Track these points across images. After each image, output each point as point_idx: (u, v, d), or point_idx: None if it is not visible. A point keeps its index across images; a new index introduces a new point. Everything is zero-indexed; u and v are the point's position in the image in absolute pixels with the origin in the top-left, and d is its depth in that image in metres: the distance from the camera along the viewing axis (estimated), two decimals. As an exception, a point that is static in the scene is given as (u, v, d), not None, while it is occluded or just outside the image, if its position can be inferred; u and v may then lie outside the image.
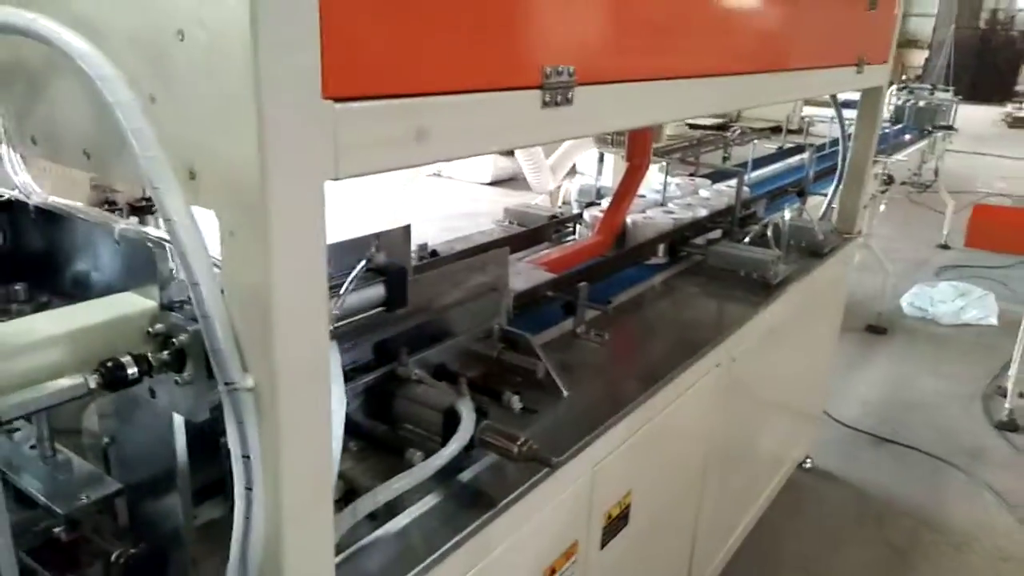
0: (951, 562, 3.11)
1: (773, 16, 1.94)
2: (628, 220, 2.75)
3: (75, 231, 1.05)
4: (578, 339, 2.06)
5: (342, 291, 1.09)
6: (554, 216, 2.89)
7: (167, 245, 0.93)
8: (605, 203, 2.84)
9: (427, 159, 1.00)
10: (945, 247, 7.41)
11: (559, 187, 3.32)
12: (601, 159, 3.14)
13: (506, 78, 1.12)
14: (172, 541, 1.04)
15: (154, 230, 0.96)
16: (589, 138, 3.56)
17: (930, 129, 6.55)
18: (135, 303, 0.94)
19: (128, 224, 0.97)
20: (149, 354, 0.88)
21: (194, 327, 0.88)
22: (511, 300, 1.91)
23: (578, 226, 2.85)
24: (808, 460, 3.65)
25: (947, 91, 7.35)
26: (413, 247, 2.14)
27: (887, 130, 5.88)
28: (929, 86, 7.57)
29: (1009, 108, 19.17)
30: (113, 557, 0.99)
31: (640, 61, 1.40)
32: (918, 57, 24.73)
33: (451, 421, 1.38)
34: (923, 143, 6.20)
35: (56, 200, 1.08)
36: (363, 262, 1.15)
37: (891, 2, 2.85)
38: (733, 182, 3.14)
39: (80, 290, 1.05)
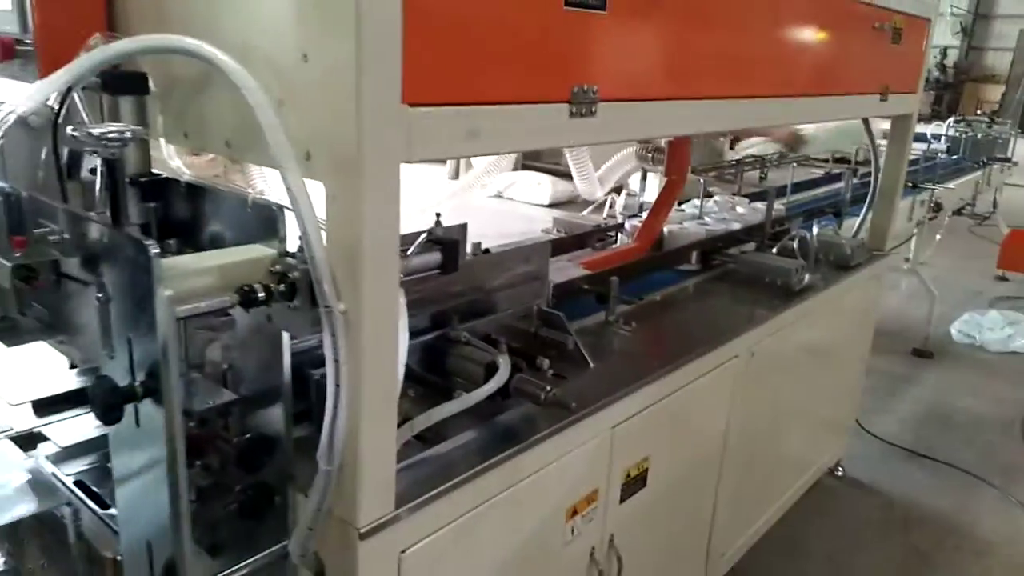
0: (972, 566, 3.24)
1: (786, 48, 2.22)
2: (665, 229, 3.03)
3: (214, 201, 1.41)
4: (609, 327, 2.35)
5: (409, 252, 1.42)
6: (598, 226, 3.20)
7: (285, 209, 1.27)
8: (646, 215, 3.13)
9: (478, 152, 1.33)
10: (1003, 279, 7.40)
11: (606, 200, 3.64)
12: (644, 177, 3.44)
13: (541, 93, 1.44)
14: (276, 436, 1.37)
15: (276, 198, 1.31)
16: (626, 163, 3.90)
17: (986, 161, 6.61)
18: (261, 250, 1.28)
19: (257, 194, 1.32)
20: (271, 285, 1.22)
21: (303, 267, 1.21)
22: (550, 288, 2.22)
23: (620, 234, 3.15)
24: (840, 468, 3.83)
25: (1005, 124, 7.38)
26: (469, 246, 2.48)
27: (939, 159, 5.99)
28: (987, 119, 7.61)
29: (1088, 144, 18.63)
30: (233, 443, 1.33)
31: (656, 85, 1.71)
32: (995, 92, 24.18)
33: (491, 373, 1.69)
34: (977, 174, 6.28)
35: (201, 178, 1.44)
36: (425, 233, 1.48)
37: (918, 37, 3.08)
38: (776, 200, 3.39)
39: (216, 245, 1.41)
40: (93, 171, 1.46)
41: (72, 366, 1.74)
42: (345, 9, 1.08)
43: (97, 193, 1.43)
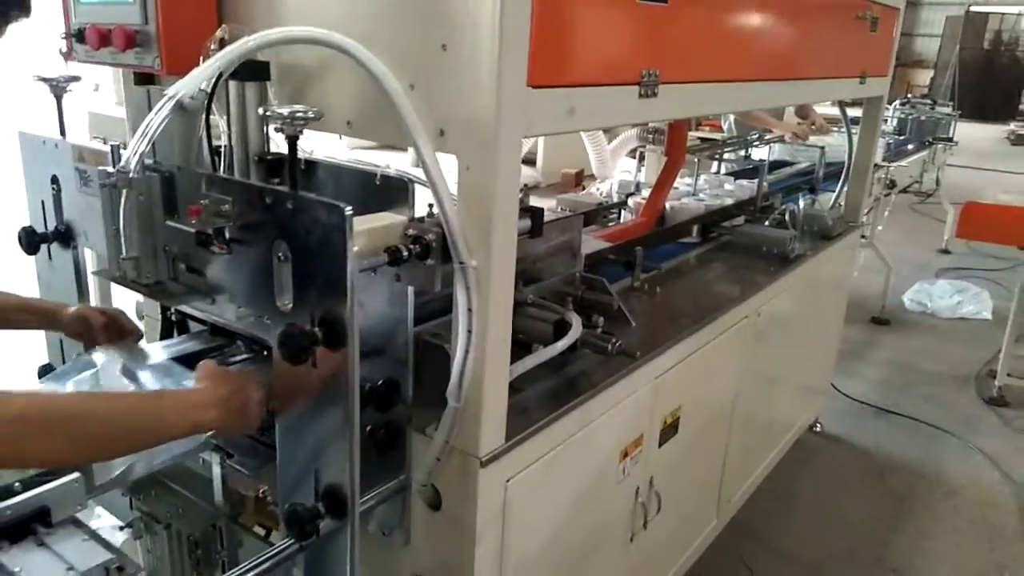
0: (942, 505, 3.60)
1: (795, 37, 2.47)
2: (667, 205, 3.27)
3: (335, 175, 1.58)
4: (636, 292, 2.58)
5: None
6: (601, 204, 3.42)
7: (414, 180, 1.45)
8: (645, 192, 3.37)
9: (573, 128, 1.53)
10: (946, 251, 7.91)
11: (608, 179, 3.88)
12: (641, 159, 3.67)
13: (618, 78, 1.64)
14: (398, 381, 1.55)
15: (401, 170, 1.48)
16: (628, 144, 4.17)
17: (931, 141, 7.05)
18: (393, 217, 1.45)
19: (385, 168, 1.49)
20: (409, 246, 1.40)
21: (436, 230, 1.40)
22: (583, 257, 2.43)
23: (623, 211, 3.37)
24: (818, 425, 4.16)
25: (947, 106, 7.87)
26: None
27: (891, 140, 6.39)
28: (930, 101, 8.09)
29: (1013, 126, 19.66)
30: (367, 387, 1.51)
31: (703, 69, 1.94)
32: (923, 76, 25.28)
33: (559, 330, 1.89)
34: (924, 153, 6.71)
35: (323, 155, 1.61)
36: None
37: (889, 26, 3.38)
38: (754, 179, 3.67)
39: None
40: (217, 151, 1.61)
41: (171, 334, 1.88)
42: (490, 7, 1.27)
43: (222, 168, 1.58)
